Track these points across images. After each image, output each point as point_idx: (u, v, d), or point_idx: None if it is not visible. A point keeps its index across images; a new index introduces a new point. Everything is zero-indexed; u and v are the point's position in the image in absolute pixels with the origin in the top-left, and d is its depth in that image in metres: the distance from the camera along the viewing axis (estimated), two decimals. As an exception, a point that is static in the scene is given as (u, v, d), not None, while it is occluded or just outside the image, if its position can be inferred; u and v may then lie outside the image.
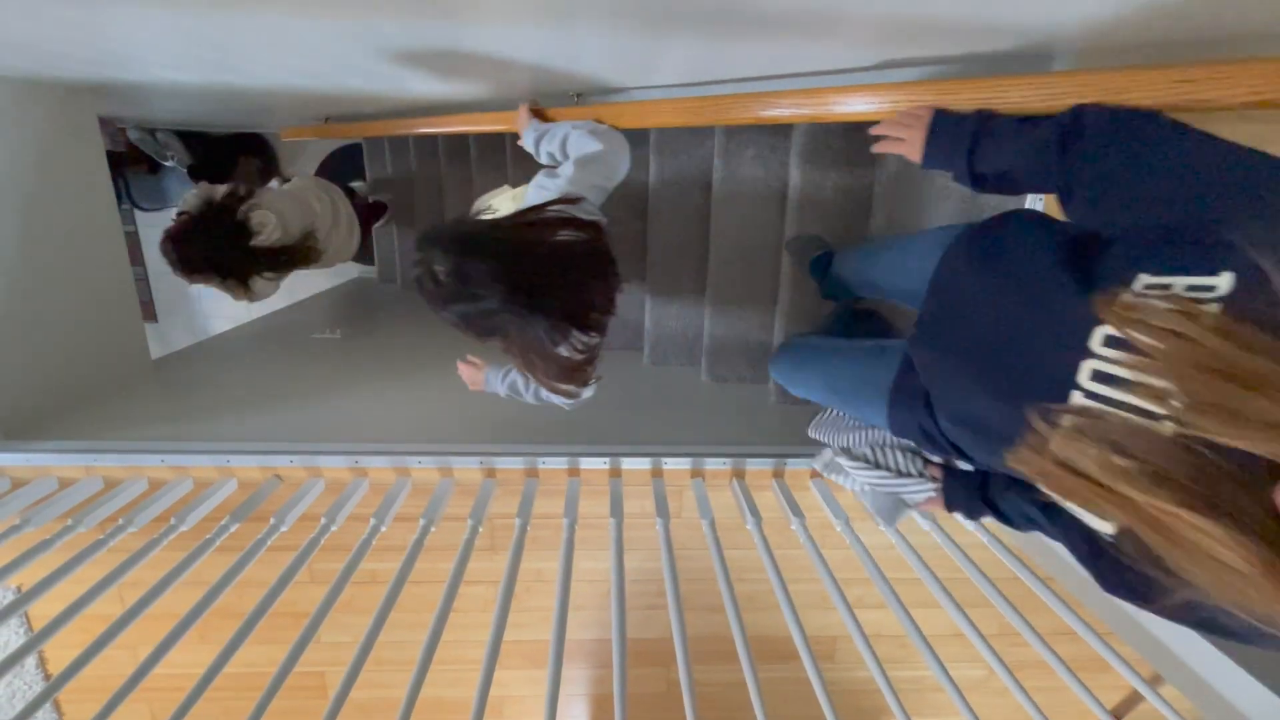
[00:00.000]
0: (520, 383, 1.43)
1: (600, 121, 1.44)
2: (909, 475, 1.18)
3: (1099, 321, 0.55)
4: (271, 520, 1.44)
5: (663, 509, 1.47)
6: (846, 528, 1.44)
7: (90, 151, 2.01)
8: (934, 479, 1.14)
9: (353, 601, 1.30)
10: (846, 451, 1.28)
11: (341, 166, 3.65)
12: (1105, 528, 0.60)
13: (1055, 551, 1.39)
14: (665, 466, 1.62)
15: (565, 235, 1.12)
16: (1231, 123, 1.39)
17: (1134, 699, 1.76)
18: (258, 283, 2.11)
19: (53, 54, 1.46)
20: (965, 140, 0.84)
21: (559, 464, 1.61)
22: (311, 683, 1.92)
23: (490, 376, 1.49)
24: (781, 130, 1.81)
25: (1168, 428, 0.47)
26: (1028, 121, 0.79)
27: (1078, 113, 0.71)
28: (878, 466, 1.21)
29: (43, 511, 1.48)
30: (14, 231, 1.73)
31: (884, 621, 1.35)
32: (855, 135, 1.67)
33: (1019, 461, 0.55)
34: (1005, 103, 0.89)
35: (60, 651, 1.90)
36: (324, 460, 1.61)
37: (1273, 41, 0.80)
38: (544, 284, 1.06)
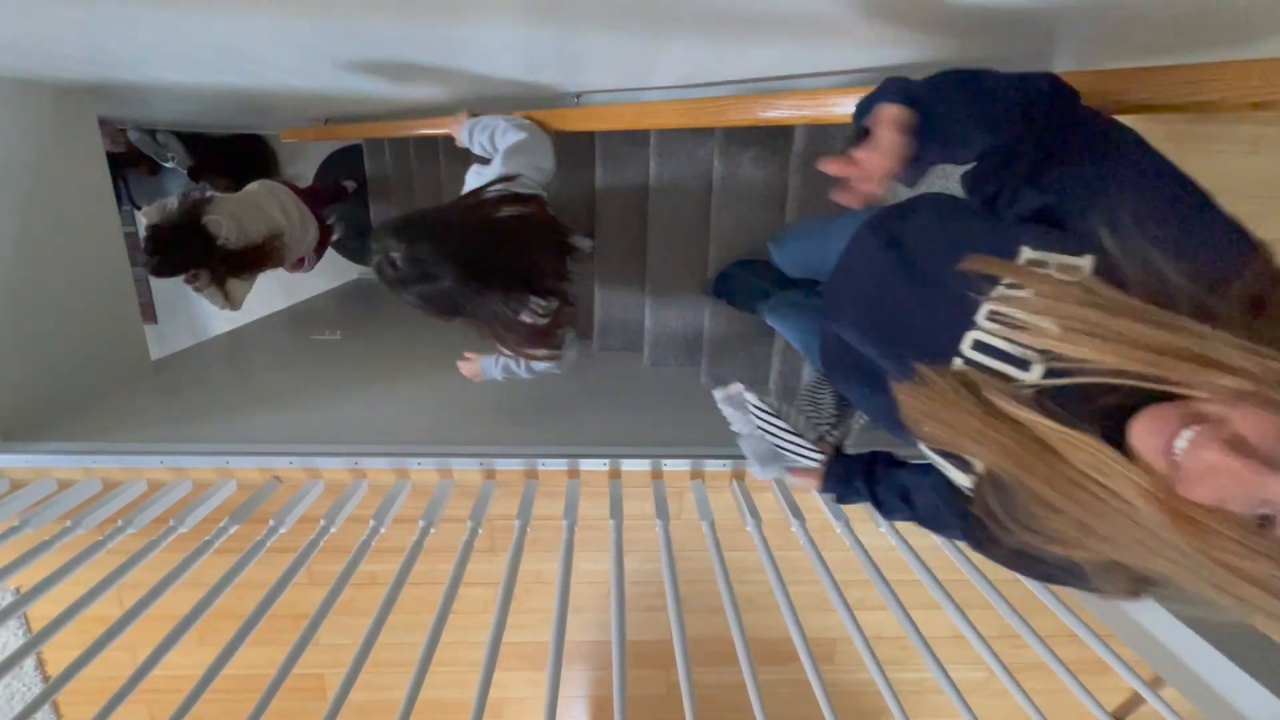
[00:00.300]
0: (510, 362, 1.53)
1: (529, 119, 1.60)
2: (800, 438, 1.16)
3: (982, 299, 0.63)
4: (271, 522, 1.43)
5: (663, 510, 1.47)
6: (846, 529, 1.43)
7: (90, 152, 2.01)
8: (822, 454, 1.14)
9: (352, 603, 1.30)
10: (757, 394, 1.25)
11: (341, 168, 3.66)
12: (964, 481, 0.69)
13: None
14: (665, 468, 1.62)
15: (507, 211, 1.23)
16: (1232, 123, 1.40)
17: (1135, 701, 1.76)
18: (233, 284, 2.28)
19: (52, 55, 1.46)
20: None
21: (559, 465, 1.61)
22: (310, 684, 1.92)
23: (485, 365, 1.63)
24: (782, 133, 1.81)
25: (1028, 391, 0.56)
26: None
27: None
28: (778, 416, 1.19)
29: (42, 513, 1.48)
30: (14, 232, 1.73)
31: (884, 623, 1.35)
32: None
33: (913, 420, 0.62)
34: (1005, 104, 0.89)
35: (59, 653, 1.89)
36: (323, 461, 1.61)
37: (1274, 42, 0.80)
38: (492, 257, 1.15)
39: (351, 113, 2.65)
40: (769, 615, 1.39)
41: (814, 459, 1.14)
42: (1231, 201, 1.50)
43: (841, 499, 1.10)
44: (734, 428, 1.29)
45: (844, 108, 1.13)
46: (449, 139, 2.85)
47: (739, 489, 1.59)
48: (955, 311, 0.66)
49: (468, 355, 1.66)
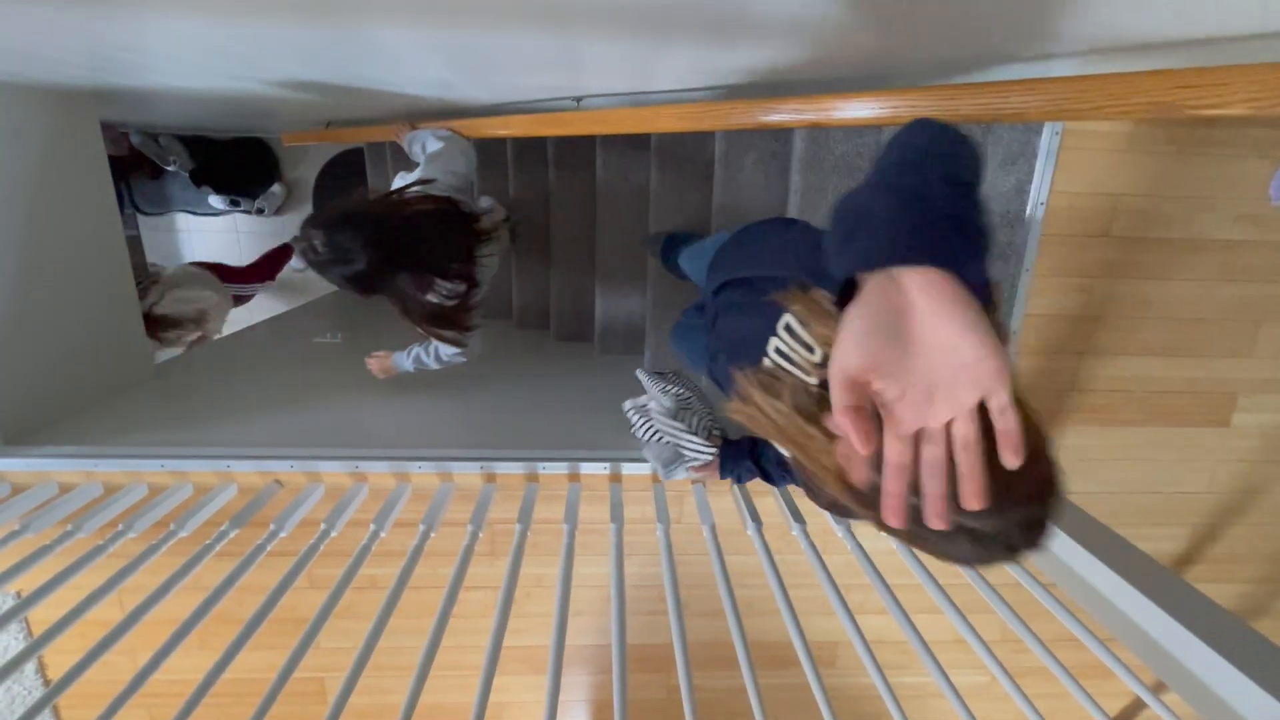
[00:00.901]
0: (420, 353, 1.76)
1: (453, 130, 1.87)
2: (695, 435, 1.31)
3: (784, 311, 0.78)
4: (271, 526, 1.43)
5: (663, 514, 1.47)
6: (848, 533, 1.43)
7: (92, 156, 2.01)
8: (714, 447, 1.29)
9: (352, 607, 1.30)
10: (661, 398, 1.41)
11: (342, 171, 3.66)
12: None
13: (1057, 557, 1.39)
14: (666, 471, 1.62)
15: (418, 207, 1.44)
16: (1235, 128, 1.40)
17: (1137, 706, 1.75)
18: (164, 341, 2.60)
19: (55, 60, 1.46)
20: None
21: (559, 469, 1.61)
22: (311, 688, 1.92)
23: (397, 359, 1.84)
24: (782, 136, 1.81)
25: (812, 384, 0.66)
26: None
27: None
28: (675, 418, 1.34)
29: (43, 517, 1.48)
30: (16, 236, 1.73)
31: (885, 627, 1.34)
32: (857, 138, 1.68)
33: (733, 410, 0.69)
34: (1006, 108, 0.89)
35: (60, 657, 1.89)
36: (324, 465, 1.61)
37: (1275, 47, 0.80)
38: (400, 245, 1.37)
39: (352, 117, 2.66)
40: (770, 619, 1.39)
41: (708, 454, 1.30)
42: (1235, 207, 1.51)
43: (738, 480, 1.26)
44: (637, 433, 1.43)
45: (841, 112, 1.13)
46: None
47: (740, 492, 1.59)
48: (768, 322, 0.81)
49: (376, 353, 1.87)
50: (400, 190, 1.50)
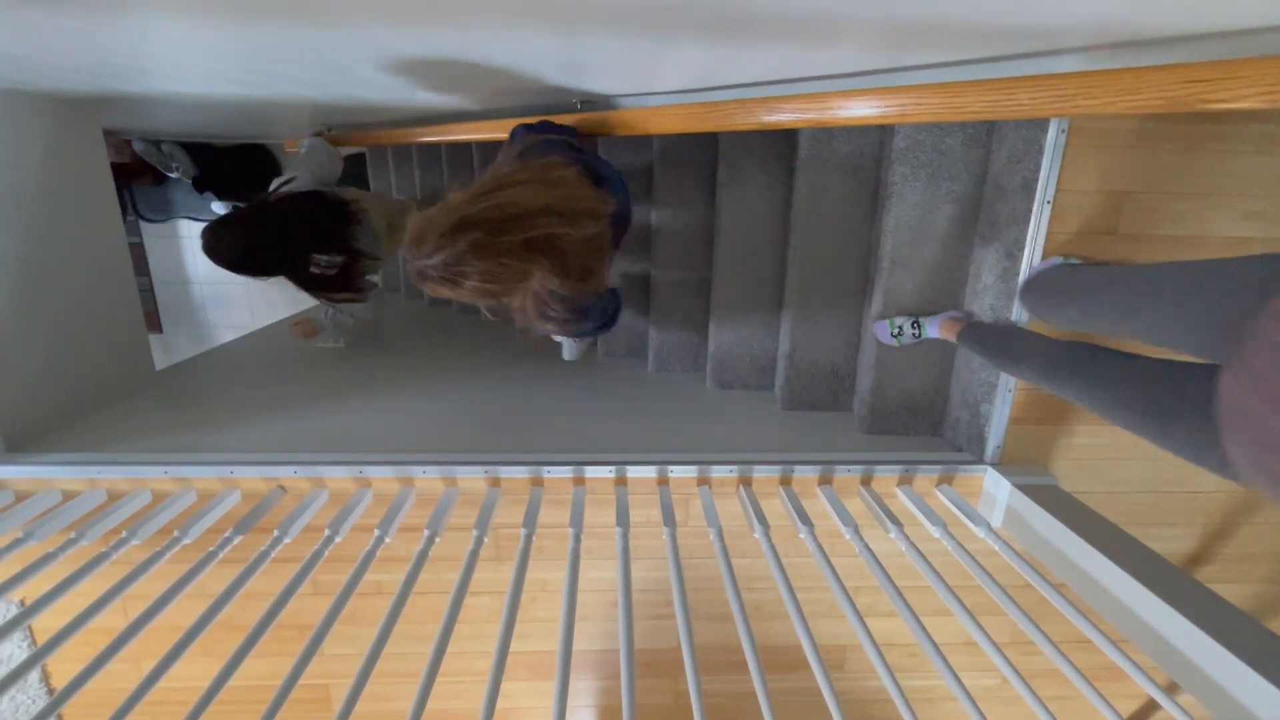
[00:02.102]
0: (331, 312, 2.15)
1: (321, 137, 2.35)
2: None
3: None
4: (275, 532, 1.43)
5: (669, 517, 1.46)
6: (855, 535, 1.42)
7: (95, 164, 2.01)
8: None
9: (356, 613, 1.29)
10: None
11: (343, 175, 3.66)
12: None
13: (1067, 557, 1.38)
14: (671, 474, 1.61)
15: (285, 204, 1.81)
16: (1243, 123, 1.39)
17: (1150, 707, 1.73)
18: None
19: (58, 67, 1.46)
20: None
21: (564, 473, 1.60)
22: (316, 695, 1.91)
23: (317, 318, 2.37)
24: (785, 137, 1.80)
25: None
26: None
27: None
28: None
29: (46, 524, 1.48)
30: (19, 243, 1.73)
31: (895, 630, 1.33)
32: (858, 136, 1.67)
33: None
34: (1012, 104, 0.89)
35: (64, 665, 1.89)
36: (328, 471, 1.60)
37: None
38: (274, 234, 1.75)
39: (354, 121, 2.66)
40: (778, 623, 1.38)
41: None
42: (1240, 202, 1.49)
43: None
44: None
45: (845, 111, 1.12)
46: (452, 147, 2.87)
47: (746, 495, 1.58)
48: None
49: (296, 320, 2.29)
50: (272, 193, 1.89)
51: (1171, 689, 1.18)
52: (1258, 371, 0.61)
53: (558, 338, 1.83)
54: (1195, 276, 0.83)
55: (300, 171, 1.99)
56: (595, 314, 1.41)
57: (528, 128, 1.50)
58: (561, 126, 1.55)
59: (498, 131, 1.91)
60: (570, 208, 1.12)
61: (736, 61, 1.23)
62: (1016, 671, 1.12)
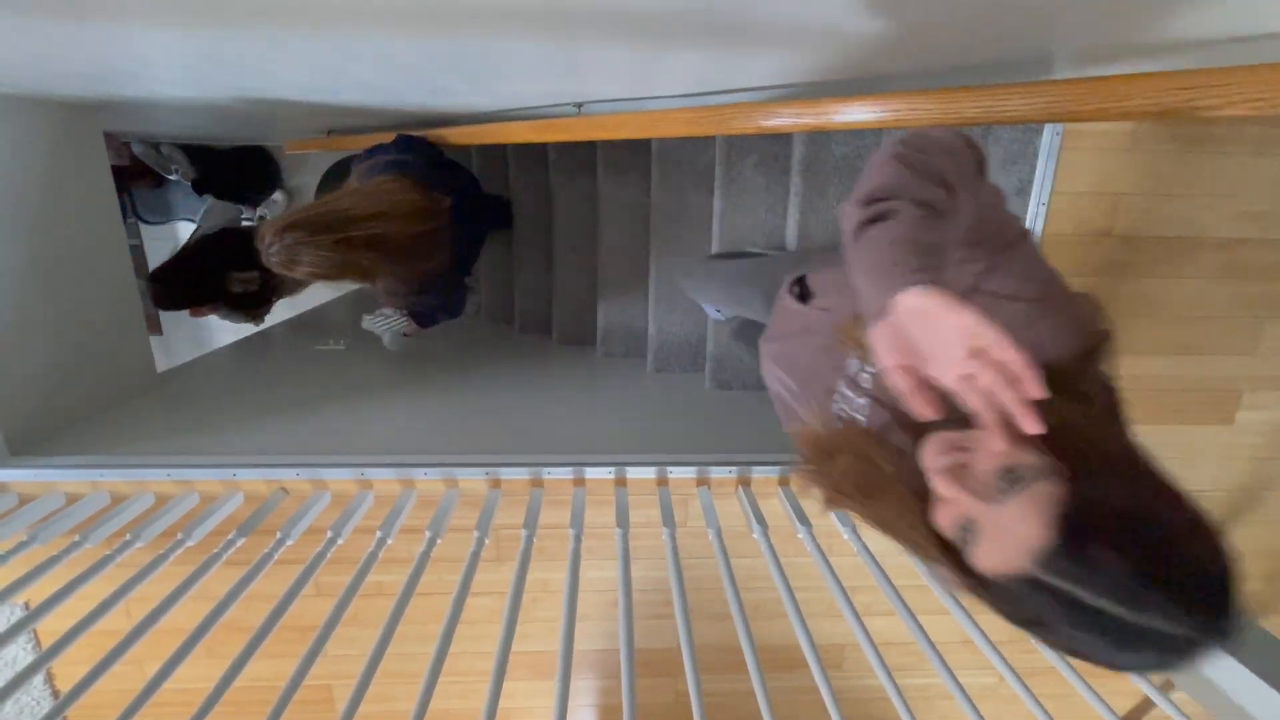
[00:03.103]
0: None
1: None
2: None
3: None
4: (278, 534, 1.44)
5: (669, 518, 1.47)
6: (853, 534, 1.43)
7: (96, 167, 2.02)
8: None
9: (359, 614, 1.30)
10: None
11: (343, 178, 3.66)
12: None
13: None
14: (671, 475, 1.62)
15: (198, 243, 2.52)
16: (1237, 126, 1.40)
17: (1145, 705, 1.75)
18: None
19: (58, 72, 1.47)
20: None
21: (564, 474, 1.61)
22: (318, 696, 1.92)
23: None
24: (781, 139, 1.81)
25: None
26: None
27: None
28: None
29: (50, 527, 1.49)
30: (21, 247, 1.74)
31: (892, 629, 1.34)
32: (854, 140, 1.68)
33: None
34: (1005, 110, 0.90)
35: (68, 668, 1.90)
36: (329, 473, 1.61)
37: (1277, 47, 0.80)
38: (192, 265, 2.42)
39: (356, 124, 2.66)
40: (777, 622, 1.39)
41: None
42: (1237, 205, 1.51)
43: None
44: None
45: (842, 116, 1.13)
46: (451, 150, 2.87)
47: (745, 495, 1.59)
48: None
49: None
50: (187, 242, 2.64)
51: (1166, 686, 1.19)
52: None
53: (379, 330, 1.90)
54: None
55: (205, 224, 2.79)
56: (435, 296, 1.84)
57: (369, 151, 1.87)
58: (410, 141, 1.90)
59: (496, 135, 1.92)
60: (396, 212, 1.52)
61: (734, 67, 1.24)
62: (1013, 669, 1.13)
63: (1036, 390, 0.49)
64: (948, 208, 0.63)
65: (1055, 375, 0.51)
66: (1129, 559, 0.47)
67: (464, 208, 1.85)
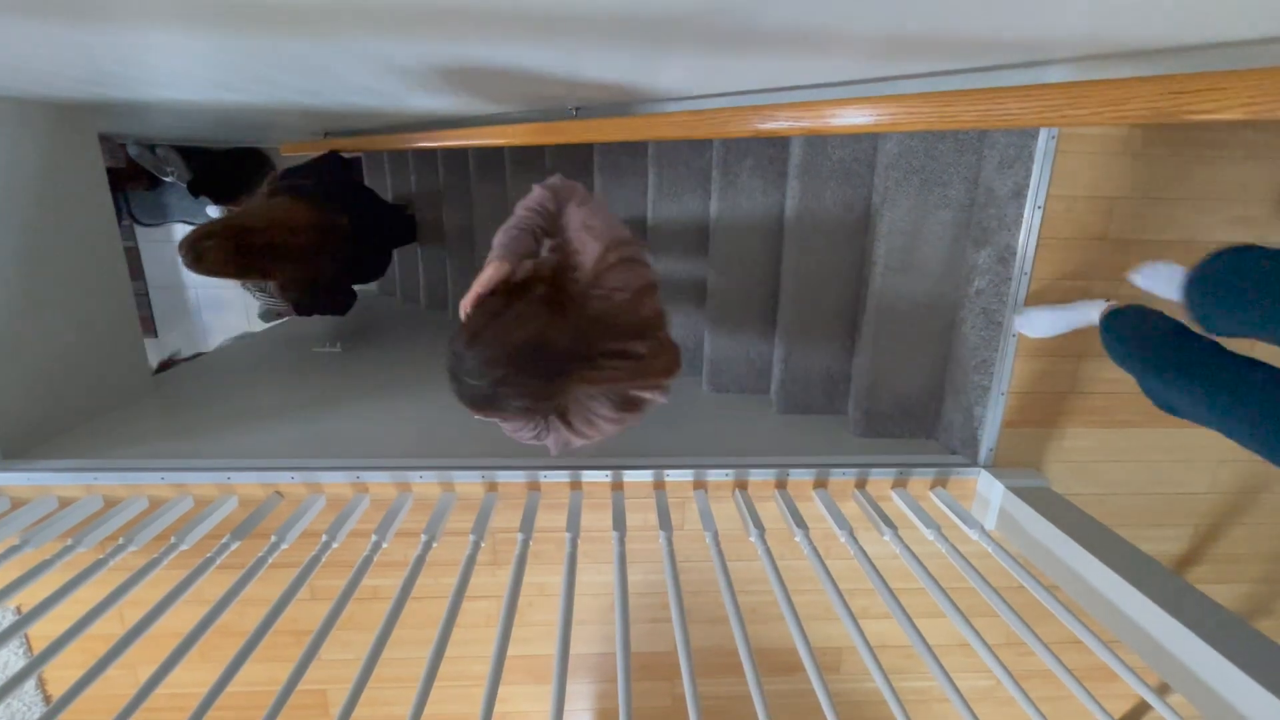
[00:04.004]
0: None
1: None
2: None
3: None
4: (272, 538, 1.43)
5: (665, 521, 1.47)
6: (850, 538, 1.43)
7: (90, 169, 2.01)
8: None
9: (354, 618, 1.29)
10: None
11: (340, 177, 3.66)
12: None
13: (1059, 559, 1.39)
14: (667, 479, 1.62)
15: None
16: (1231, 130, 1.40)
17: (1142, 708, 1.75)
18: None
19: (53, 75, 1.46)
20: None
21: (561, 477, 1.61)
22: (313, 700, 1.91)
23: None
24: (778, 143, 1.82)
25: None
26: None
27: None
28: None
29: (43, 531, 1.47)
30: (14, 248, 1.73)
31: (889, 632, 1.34)
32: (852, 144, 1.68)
33: None
34: (1002, 114, 0.90)
35: (61, 672, 1.88)
36: (325, 476, 1.61)
37: (1270, 50, 0.81)
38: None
39: (351, 126, 2.66)
40: (773, 625, 1.39)
41: None
42: (1228, 208, 1.51)
43: None
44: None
45: (839, 119, 1.13)
46: (448, 152, 2.87)
47: (741, 498, 1.59)
48: None
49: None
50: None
51: (1162, 690, 1.19)
52: None
53: (256, 299, 2.49)
54: None
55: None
56: (322, 296, 2.34)
57: (284, 172, 2.34)
58: (322, 163, 2.42)
59: (494, 137, 1.92)
60: (285, 226, 2.02)
61: (733, 70, 1.24)
62: (1009, 673, 1.13)
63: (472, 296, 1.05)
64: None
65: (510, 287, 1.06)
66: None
67: (363, 226, 2.30)
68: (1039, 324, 1.46)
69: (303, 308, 2.41)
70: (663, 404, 1.18)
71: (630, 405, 1.11)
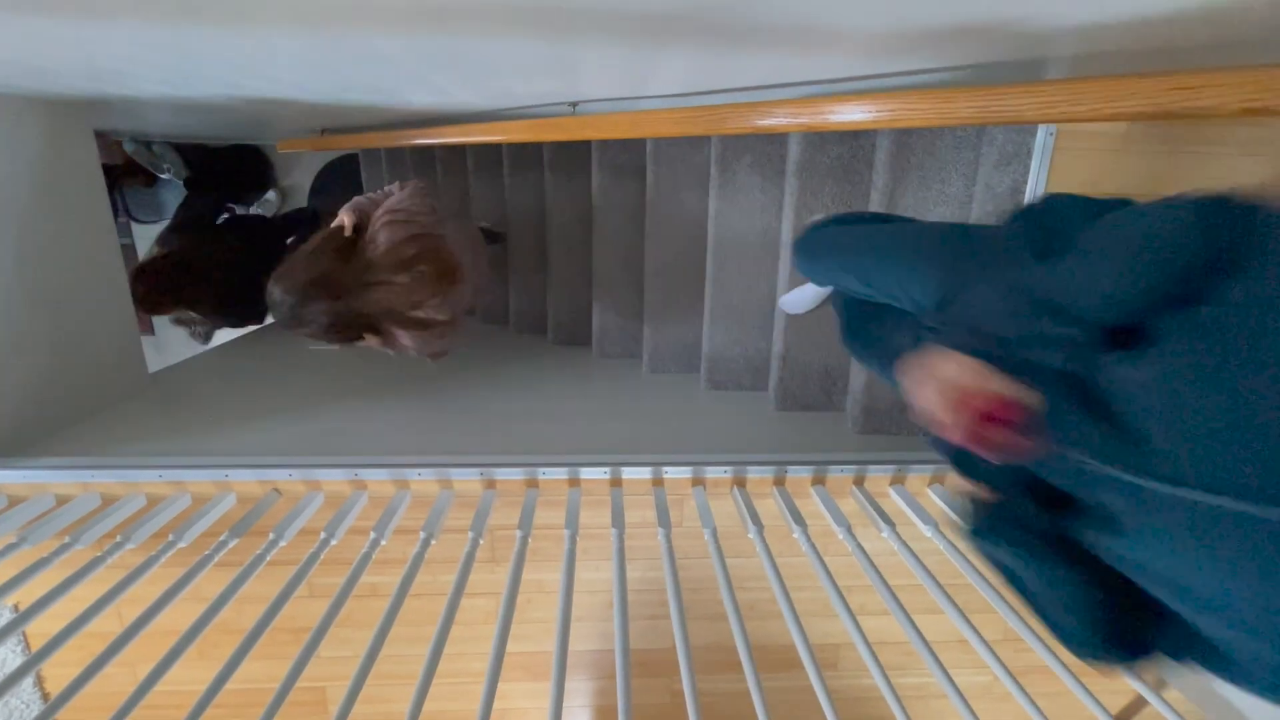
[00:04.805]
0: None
1: None
2: None
3: None
4: (270, 535, 1.43)
5: (664, 518, 1.47)
6: (848, 535, 1.44)
7: (87, 166, 2.01)
8: None
9: (353, 615, 1.29)
10: None
11: (338, 179, 3.66)
12: None
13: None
14: (666, 475, 1.62)
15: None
16: (1229, 126, 1.41)
17: (1138, 704, 1.75)
18: None
19: (49, 71, 1.46)
20: None
21: (559, 474, 1.61)
22: (312, 697, 1.91)
23: None
24: (776, 139, 1.82)
25: None
26: None
27: None
28: None
29: (40, 529, 1.47)
30: (10, 246, 1.73)
31: (887, 628, 1.34)
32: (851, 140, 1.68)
33: None
34: (1001, 110, 0.90)
35: (59, 670, 1.88)
36: (323, 473, 1.61)
37: (1268, 48, 0.81)
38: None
39: (348, 123, 2.65)
40: (772, 622, 1.39)
41: None
42: (1226, 204, 1.49)
43: None
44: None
45: (837, 116, 1.13)
46: (446, 149, 2.86)
47: (740, 495, 1.59)
48: None
49: None
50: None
51: (1159, 685, 1.20)
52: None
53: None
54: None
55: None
56: (231, 318, 2.59)
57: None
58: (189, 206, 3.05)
59: (492, 134, 1.92)
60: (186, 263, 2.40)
61: (731, 67, 1.24)
62: (1007, 668, 1.14)
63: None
64: None
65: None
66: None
67: (229, 259, 2.53)
68: (797, 302, 1.68)
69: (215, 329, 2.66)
70: (462, 330, 1.57)
71: (418, 325, 1.45)
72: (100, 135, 2.29)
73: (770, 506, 1.63)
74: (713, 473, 1.62)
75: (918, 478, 1.64)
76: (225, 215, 3.24)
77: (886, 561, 1.36)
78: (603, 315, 2.34)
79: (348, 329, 1.40)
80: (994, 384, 0.65)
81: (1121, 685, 1.17)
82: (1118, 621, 0.64)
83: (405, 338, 1.45)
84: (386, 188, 1.55)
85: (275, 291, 1.33)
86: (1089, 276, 0.65)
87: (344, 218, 1.46)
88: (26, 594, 1.32)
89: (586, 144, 2.20)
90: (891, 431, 1.78)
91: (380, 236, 1.41)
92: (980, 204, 1.54)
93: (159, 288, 2.26)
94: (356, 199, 1.52)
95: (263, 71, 1.47)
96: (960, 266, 0.92)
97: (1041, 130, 1.37)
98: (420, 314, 1.44)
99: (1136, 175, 1.44)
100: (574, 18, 0.97)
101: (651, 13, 0.91)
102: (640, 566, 1.73)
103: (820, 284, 1.60)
